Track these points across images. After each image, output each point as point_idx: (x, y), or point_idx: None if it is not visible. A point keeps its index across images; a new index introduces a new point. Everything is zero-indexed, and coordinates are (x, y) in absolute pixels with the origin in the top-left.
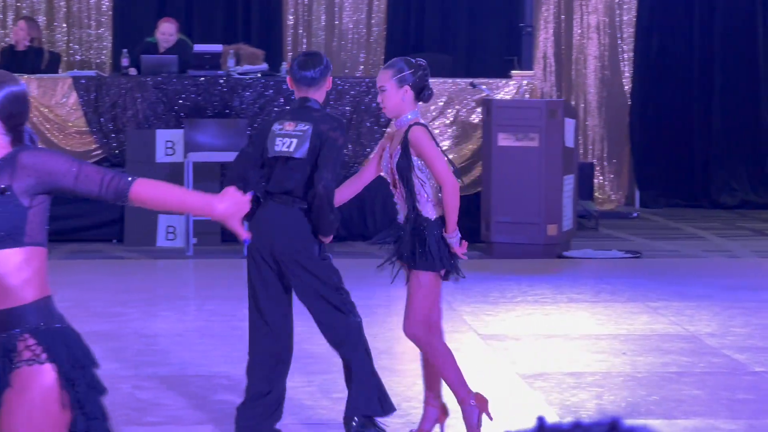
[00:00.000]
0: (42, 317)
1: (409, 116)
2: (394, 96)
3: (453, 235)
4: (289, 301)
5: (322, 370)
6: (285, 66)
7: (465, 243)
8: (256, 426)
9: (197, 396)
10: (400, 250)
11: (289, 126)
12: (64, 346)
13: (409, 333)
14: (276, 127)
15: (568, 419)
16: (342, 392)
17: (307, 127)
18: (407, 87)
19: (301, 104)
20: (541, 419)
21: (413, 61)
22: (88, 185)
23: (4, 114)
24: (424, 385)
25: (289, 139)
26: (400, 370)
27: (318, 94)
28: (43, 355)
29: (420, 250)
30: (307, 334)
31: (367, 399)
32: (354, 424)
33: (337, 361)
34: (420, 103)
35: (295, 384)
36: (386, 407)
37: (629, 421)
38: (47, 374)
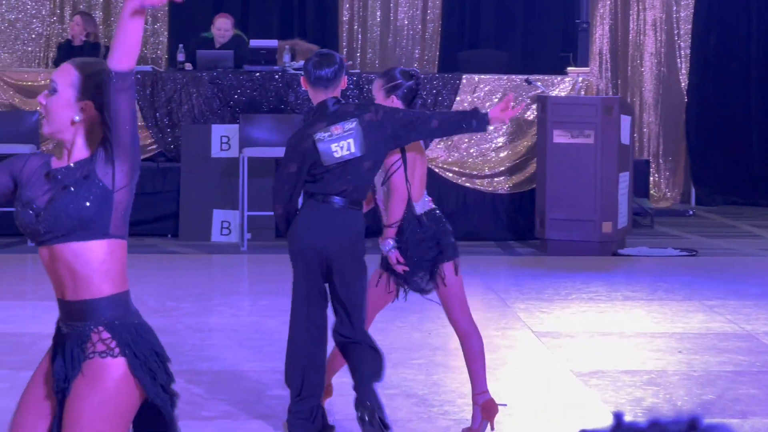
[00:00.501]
0: (119, 311)
1: None
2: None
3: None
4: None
5: None
6: None
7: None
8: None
9: (251, 391)
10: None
11: (336, 130)
12: (137, 342)
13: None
14: (320, 135)
15: (643, 417)
16: (397, 388)
17: (353, 123)
18: (394, 97)
19: (324, 109)
20: (618, 416)
21: (407, 71)
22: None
23: (98, 103)
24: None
25: (345, 142)
26: (454, 367)
27: (335, 94)
28: (117, 349)
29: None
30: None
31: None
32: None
33: (392, 357)
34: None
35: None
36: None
37: (707, 420)
38: (119, 367)
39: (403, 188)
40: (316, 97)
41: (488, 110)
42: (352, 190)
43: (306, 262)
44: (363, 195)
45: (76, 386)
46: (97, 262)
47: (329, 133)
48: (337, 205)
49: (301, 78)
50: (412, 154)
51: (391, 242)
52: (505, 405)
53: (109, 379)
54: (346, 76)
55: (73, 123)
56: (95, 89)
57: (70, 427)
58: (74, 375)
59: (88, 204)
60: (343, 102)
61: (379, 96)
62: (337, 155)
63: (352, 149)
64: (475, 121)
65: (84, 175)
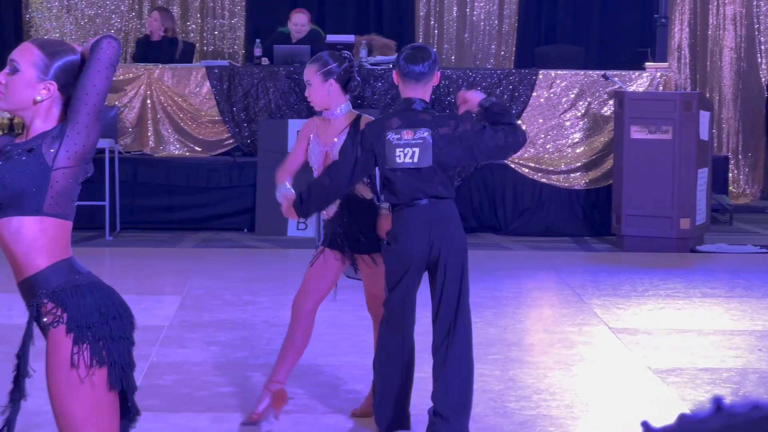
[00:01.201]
0: (60, 278)
1: (342, 107)
2: (320, 90)
3: None
4: None
5: None
6: None
7: None
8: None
9: (327, 385)
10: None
11: (407, 135)
12: (77, 300)
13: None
14: (392, 136)
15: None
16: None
17: (425, 133)
18: (332, 80)
19: (409, 106)
20: (717, 400)
21: (338, 54)
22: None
23: (61, 83)
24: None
25: (410, 149)
26: (530, 362)
27: (425, 90)
28: (64, 315)
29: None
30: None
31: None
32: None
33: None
34: (348, 95)
35: (426, 375)
36: None
37: None
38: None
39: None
40: (406, 91)
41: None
42: (441, 192)
43: (405, 266)
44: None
45: (46, 362)
46: (30, 238)
47: (399, 137)
48: (433, 206)
49: (394, 72)
50: None
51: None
52: (293, 398)
53: (62, 349)
54: (439, 72)
55: (35, 102)
56: (59, 70)
57: (52, 402)
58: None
59: (22, 177)
60: (428, 108)
61: (315, 81)
62: (399, 160)
63: (416, 159)
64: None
65: (29, 149)
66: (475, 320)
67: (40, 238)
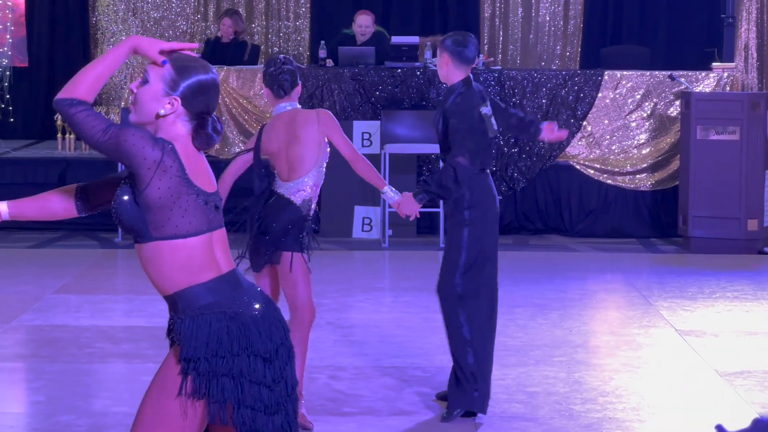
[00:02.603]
0: (191, 303)
1: (274, 110)
2: (266, 93)
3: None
4: None
5: (517, 363)
6: (482, 58)
7: None
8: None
9: (393, 387)
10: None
11: (487, 108)
12: (194, 335)
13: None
14: (485, 110)
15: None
16: (538, 386)
17: (489, 104)
18: (265, 87)
19: (471, 85)
20: (758, 422)
21: (274, 58)
22: None
23: (187, 100)
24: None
25: (494, 119)
26: (596, 365)
27: (469, 71)
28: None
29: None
30: (501, 327)
31: None
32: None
33: (533, 354)
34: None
35: (492, 376)
36: None
37: None
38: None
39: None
40: (460, 74)
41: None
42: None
43: (491, 224)
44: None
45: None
46: (158, 263)
47: (489, 109)
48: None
49: (445, 55)
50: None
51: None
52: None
53: (168, 365)
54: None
55: (158, 116)
56: (187, 88)
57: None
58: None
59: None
60: (475, 86)
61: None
62: (496, 128)
63: (497, 126)
64: (533, 129)
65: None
66: (541, 322)
67: (166, 261)
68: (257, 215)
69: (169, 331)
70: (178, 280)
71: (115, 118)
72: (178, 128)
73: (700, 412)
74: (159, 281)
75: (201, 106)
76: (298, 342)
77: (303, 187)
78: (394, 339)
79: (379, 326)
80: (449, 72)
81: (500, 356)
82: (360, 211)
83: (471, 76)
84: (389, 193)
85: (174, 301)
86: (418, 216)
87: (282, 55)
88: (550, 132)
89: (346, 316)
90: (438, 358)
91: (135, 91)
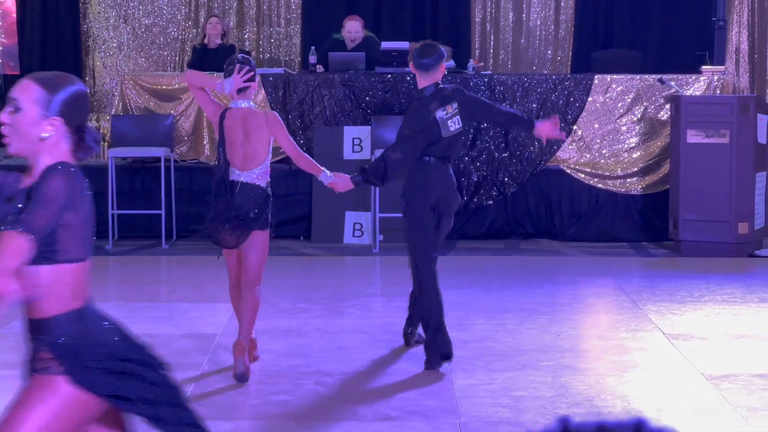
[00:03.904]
0: (64, 330)
1: (237, 103)
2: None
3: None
4: None
5: (504, 368)
6: (472, 63)
7: None
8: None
9: (378, 392)
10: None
11: (450, 109)
12: (75, 360)
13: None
14: (441, 114)
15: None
16: (524, 390)
17: (456, 104)
18: (224, 80)
19: (431, 90)
20: (564, 420)
21: (231, 59)
22: None
23: (66, 117)
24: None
25: (456, 118)
26: (583, 369)
27: (431, 79)
28: (55, 368)
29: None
30: (489, 332)
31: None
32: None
33: (520, 359)
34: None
35: (477, 382)
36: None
37: (657, 423)
38: (59, 385)
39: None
40: (422, 81)
41: (537, 121)
42: (450, 154)
43: (423, 208)
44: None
45: (21, 395)
46: (43, 284)
47: (446, 112)
48: (444, 165)
49: (410, 63)
50: (235, 131)
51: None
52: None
53: (44, 393)
54: (445, 66)
55: (41, 140)
56: (63, 104)
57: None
58: (25, 386)
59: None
60: (442, 86)
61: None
62: (452, 129)
63: (460, 125)
64: (526, 124)
65: (28, 195)
66: (529, 326)
67: (53, 284)
68: (233, 204)
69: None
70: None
71: (106, 125)
72: (62, 146)
73: (685, 415)
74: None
75: (79, 120)
76: (250, 300)
77: (263, 171)
78: (382, 345)
79: (368, 332)
80: (417, 79)
81: (486, 361)
82: (351, 217)
83: (439, 82)
84: (326, 174)
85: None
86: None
87: (241, 55)
88: (548, 131)
89: (335, 321)
90: (424, 363)
91: (8, 121)
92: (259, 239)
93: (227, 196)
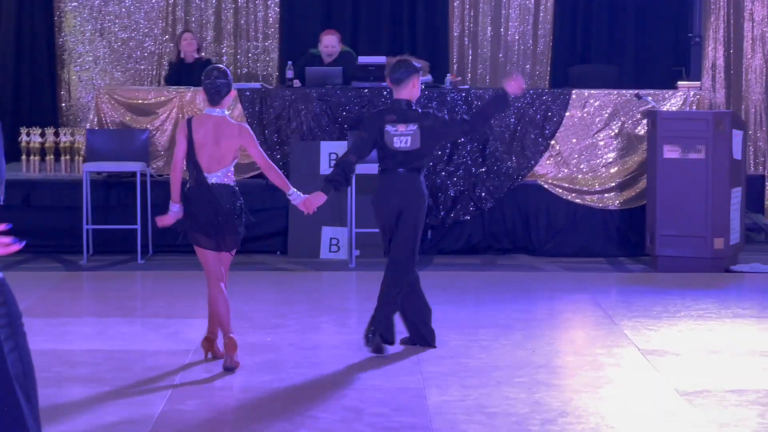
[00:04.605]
0: None
1: (214, 111)
2: (203, 96)
3: None
4: None
5: (478, 384)
6: (449, 78)
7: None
8: None
9: (350, 409)
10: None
11: (401, 127)
12: None
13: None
14: (390, 128)
15: None
16: (498, 407)
17: (414, 126)
18: (202, 89)
19: (399, 105)
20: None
21: (209, 70)
22: None
23: None
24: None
25: (405, 137)
26: (557, 385)
27: (405, 93)
28: None
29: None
30: (463, 348)
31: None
32: (370, 336)
33: (495, 375)
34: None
35: (451, 398)
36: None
37: None
38: None
39: (178, 161)
40: (395, 93)
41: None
42: (415, 166)
43: (386, 213)
44: (417, 167)
45: None
46: None
47: (395, 128)
48: (401, 172)
49: (387, 78)
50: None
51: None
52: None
53: None
54: (421, 84)
55: None
56: None
57: None
58: None
59: None
60: (414, 108)
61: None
62: (396, 145)
63: (409, 144)
64: (501, 103)
65: None
66: (504, 342)
67: None
68: (213, 204)
69: None
70: None
71: (81, 139)
72: None
73: (658, 431)
74: None
75: None
76: (221, 295)
77: (228, 171)
78: (356, 360)
79: (341, 347)
80: (393, 94)
81: (461, 377)
82: (327, 232)
83: (412, 101)
84: (295, 194)
85: None
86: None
87: (218, 67)
88: (515, 88)
89: (309, 337)
90: (399, 379)
91: None
92: (234, 245)
93: (206, 197)
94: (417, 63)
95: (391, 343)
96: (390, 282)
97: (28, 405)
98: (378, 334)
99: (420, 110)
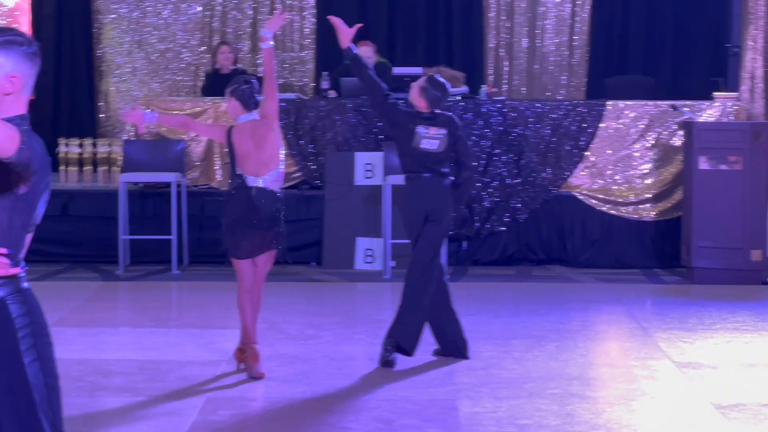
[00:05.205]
0: None
1: (242, 117)
2: (228, 104)
3: None
4: None
5: (510, 395)
6: (485, 89)
7: None
8: None
9: (383, 420)
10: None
11: (432, 131)
12: None
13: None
14: (421, 129)
15: None
16: (529, 419)
17: (444, 131)
18: (233, 98)
19: (429, 113)
20: None
21: (245, 77)
22: None
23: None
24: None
25: (434, 141)
26: (590, 397)
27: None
28: None
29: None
30: (496, 359)
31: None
32: (389, 348)
33: (527, 387)
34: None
35: (482, 409)
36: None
37: None
38: None
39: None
40: (421, 105)
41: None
42: (433, 169)
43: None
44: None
45: None
46: None
47: (427, 131)
48: (428, 177)
49: (419, 93)
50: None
51: None
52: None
53: None
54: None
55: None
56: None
57: None
58: None
59: None
60: (439, 113)
61: (226, 96)
62: (422, 146)
63: (437, 147)
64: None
65: None
66: (537, 353)
67: None
68: (254, 207)
69: None
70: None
71: (118, 150)
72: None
73: None
74: None
75: None
76: (249, 305)
77: (276, 177)
78: (389, 371)
79: (374, 358)
80: (417, 103)
81: (493, 388)
82: (362, 243)
83: (434, 109)
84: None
85: None
86: None
87: (249, 76)
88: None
89: (342, 348)
90: (430, 390)
91: None
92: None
93: (248, 200)
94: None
95: (409, 353)
96: (411, 286)
97: (48, 415)
98: (395, 346)
99: (447, 114)
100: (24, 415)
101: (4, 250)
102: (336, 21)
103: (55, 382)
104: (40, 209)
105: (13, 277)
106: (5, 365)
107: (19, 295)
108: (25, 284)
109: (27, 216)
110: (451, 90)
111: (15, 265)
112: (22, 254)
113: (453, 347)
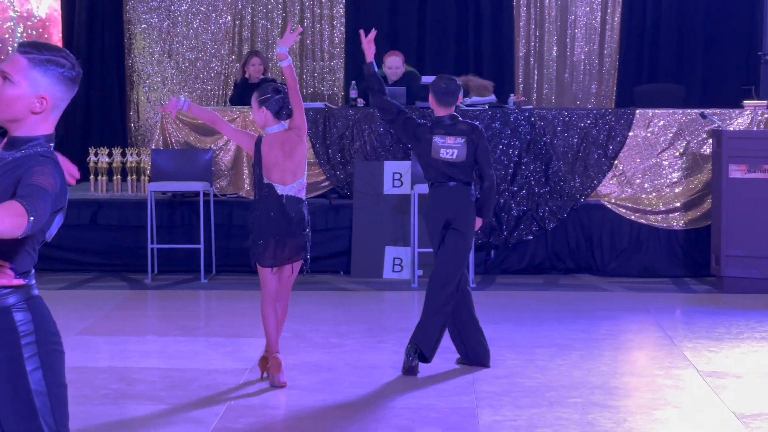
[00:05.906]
0: None
1: (273, 128)
2: (257, 114)
3: None
4: None
5: (531, 404)
6: (513, 97)
7: None
8: None
9: (403, 428)
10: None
11: (450, 140)
12: None
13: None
14: (438, 140)
15: None
16: (549, 427)
17: (463, 139)
18: (264, 108)
19: (443, 120)
20: None
21: (277, 86)
22: None
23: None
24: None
25: (452, 150)
26: (611, 406)
27: (452, 111)
28: None
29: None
30: (519, 368)
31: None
32: (411, 354)
33: (548, 395)
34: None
35: (503, 418)
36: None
37: None
38: None
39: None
40: (439, 111)
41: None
42: (455, 177)
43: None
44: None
45: None
46: None
47: (444, 140)
48: (452, 186)
49: (430, 95)
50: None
51: None
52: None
53: None
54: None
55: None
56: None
57: None
58: None
59: None
60: (459, 119)
61: (254, 106)
62: (441, 156)
63: (455, 156)
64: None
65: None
66: (561, 362)
67: None
68: (284, 214)
69: None
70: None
71: (147, 159)
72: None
73: None
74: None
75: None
76: (273, 314)
77: (301, 186)
78: (411, 380)
79: (398, 367)
80: (433, 107)
81: (514, 397)
82: (390, 252)
83: (454, 113)
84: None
85: None
86: None
87: (277, 85)
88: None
89: (367, 357)
90: (452, 398)
91: None
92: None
93: (279, 207)
94: (457, 79)
95: (426, 359)
96: (434, 294)
97: (50, 424)
98: (416, 351)
99: (470, 122)
100: (25, 423)
101: (6, 264)
102: (364, 37)
103: (61, 391)
104: (53, 230)
105: (22, 286)
106: (8, 372)
107: (26, 303)
108: (35, 292)
109: (39, 237)
110: (480, 99)
111: (22, 275)
112: (32, 265)
113: (474, 356)
